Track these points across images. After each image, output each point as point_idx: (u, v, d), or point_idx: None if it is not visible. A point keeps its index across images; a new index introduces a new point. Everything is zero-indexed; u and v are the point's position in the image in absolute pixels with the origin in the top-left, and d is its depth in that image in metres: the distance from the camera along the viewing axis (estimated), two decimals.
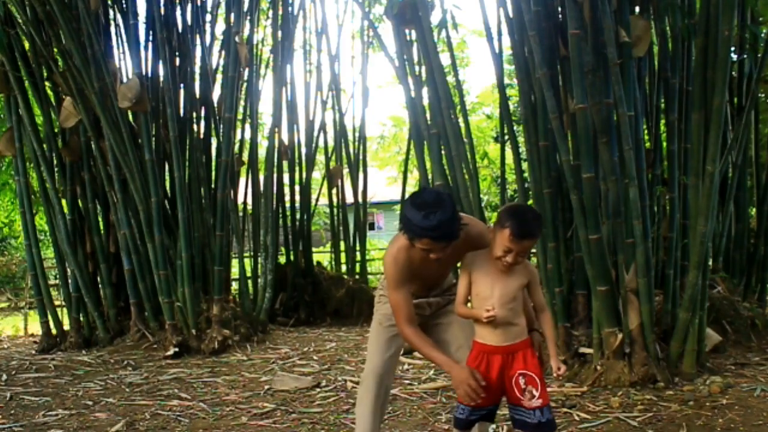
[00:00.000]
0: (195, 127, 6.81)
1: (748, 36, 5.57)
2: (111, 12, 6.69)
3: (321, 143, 8.81)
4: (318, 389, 4.52)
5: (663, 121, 5.28)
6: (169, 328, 6.15)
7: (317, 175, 9.78)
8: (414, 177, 9.99)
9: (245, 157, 7.82)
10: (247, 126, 7.94)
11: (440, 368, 2.60)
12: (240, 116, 7.65)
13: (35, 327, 8.47)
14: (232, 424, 3.83)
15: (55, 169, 6.71)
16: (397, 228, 2.59)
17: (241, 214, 7.98)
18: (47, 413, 4.22)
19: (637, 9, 4.81)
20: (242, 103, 7.82)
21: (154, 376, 5.19)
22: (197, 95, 6.85)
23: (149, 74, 6.52)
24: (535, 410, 2.40)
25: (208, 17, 7.35)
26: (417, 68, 5.84)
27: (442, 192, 2.53)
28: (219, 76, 7.32)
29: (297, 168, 8.46)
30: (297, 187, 8.49)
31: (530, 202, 4.80)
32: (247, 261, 7.80)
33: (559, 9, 4.77)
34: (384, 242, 19.24)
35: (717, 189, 4.26)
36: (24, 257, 10.99)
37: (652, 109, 5.20)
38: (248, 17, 7.23)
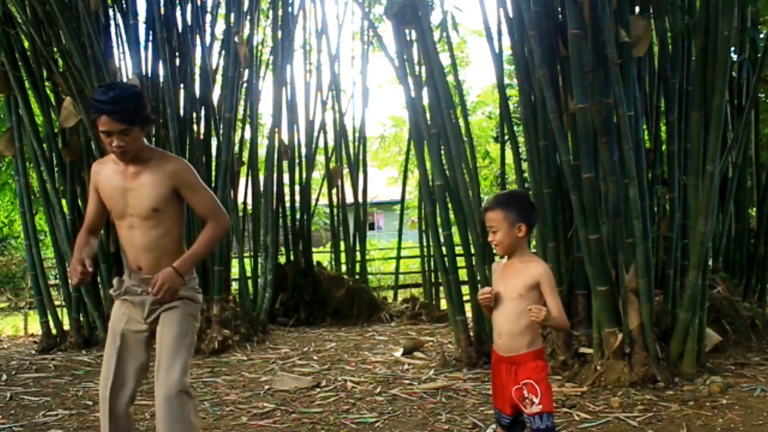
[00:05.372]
0: (195, 127, 6.80)
1: (747, 40, 5.57)
2: (111, 12, 6.68)
3: (321, 143, 8.80)
4: (318, 389, 4.52)
5: (663, 121, 5.28)
6: None
7: (317, 175, 9.77)
8: (414, 177, 9.99)
9: (245, 157, 7.82)
10: (247, 126, 7.94)
11: None
12: (240, 116, 7.65)
13: (35, 327, 8.47)
14: (232, 424, 3.83)
15: (55, 169, 6.71)
16: (396, 229, 2.58)
17: (241, 214, 7.98)
18: (47, 413, 4.22)
19: (637, 9, 4.82)
20: (242, 103, 7.81)
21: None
22: (197, 95, 6.84)
23: (149, 74, 6.51)
24: (535, 417, 2.42)
25: (208, 17, 7.34)
26: (417, 68, 5.84)
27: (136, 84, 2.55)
28: (219, 77, 7.32)
29: (297, 168, 8.46)
30: (297, 187, 8.48)
31: None
32: (247, 261, 7.79)
33: (559, 9, 4.78)
34: (384, 242, 19.16)
35: (717, 189, 4.26)
36: (24, 257, 10.99)
37: (652, 109, 5.20)
38: (248, 17, 7.22)
